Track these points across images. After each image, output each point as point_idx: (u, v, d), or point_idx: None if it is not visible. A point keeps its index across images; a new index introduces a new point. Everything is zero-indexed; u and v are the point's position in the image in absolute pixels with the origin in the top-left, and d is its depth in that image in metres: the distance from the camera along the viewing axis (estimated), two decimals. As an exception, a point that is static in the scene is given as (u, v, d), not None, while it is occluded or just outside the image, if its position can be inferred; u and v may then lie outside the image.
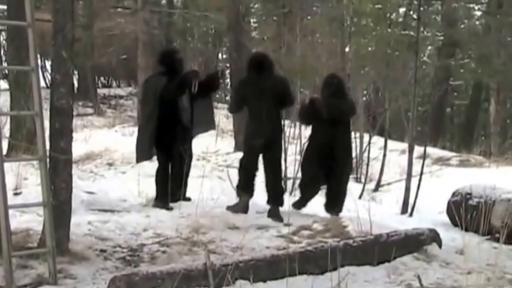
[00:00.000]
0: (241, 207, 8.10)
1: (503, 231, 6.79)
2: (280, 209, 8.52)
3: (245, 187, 8.25)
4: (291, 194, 11.37)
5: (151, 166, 12.23)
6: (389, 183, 12.62)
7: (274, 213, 8.08)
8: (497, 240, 7.27)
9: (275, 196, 8.16)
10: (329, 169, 8.77)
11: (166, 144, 8.77)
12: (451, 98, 29.74)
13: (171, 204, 8.71)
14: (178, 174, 8.73)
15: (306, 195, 8.97)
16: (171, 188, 8.60)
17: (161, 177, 8.78)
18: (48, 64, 22.49)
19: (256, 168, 8.39)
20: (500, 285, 5.89)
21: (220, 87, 9.93)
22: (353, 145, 9.47)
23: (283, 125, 8.71)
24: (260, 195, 8.57)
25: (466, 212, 8.14)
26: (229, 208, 8.24)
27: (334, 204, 8.73)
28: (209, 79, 9.10)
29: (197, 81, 8.74)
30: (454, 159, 15.74)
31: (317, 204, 9.40)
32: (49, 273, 5.53)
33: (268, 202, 8.24)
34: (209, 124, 9.46)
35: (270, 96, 8.20)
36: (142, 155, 9.07)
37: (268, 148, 8.24)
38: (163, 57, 9.16)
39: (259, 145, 8.19)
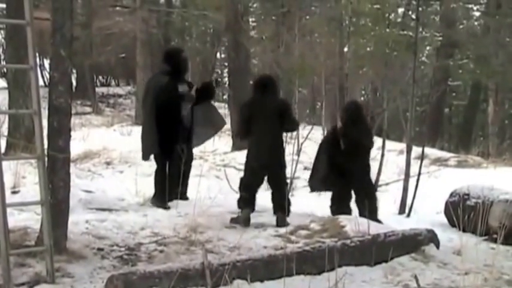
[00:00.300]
0: (242, 220, 8.09)
1: (501, 232, 6.82)
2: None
3: (246, 203, 8.26)
4: (288, 193, 11.39)
5: (149, 166, 12.24)
6: (387, 184, 12.63)
7: (281, 220, 8.10)
8: (494, 240, 7.28)
9: (281, 207, 8.18)
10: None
11: (166, 143, 8.79)
12: (450, 99, 29.75)
13: (169, 204, 8.73)
14: (176, 173, 8.73)
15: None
16: (168, 187, 8.61)
17: (160, 177, 8.79)
18: (46, 63, 22.52)
19: (258, 186, 8.41)
20: (497, 286, 5.90)
21: (216, 96, 10.00)
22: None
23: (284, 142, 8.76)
24: (258, 194, 8.57)
25: (463, 212, 8.16)
26: (232, 220, 8.23)
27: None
28: (204, 88, 9.23)
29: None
30: (452, 160, 15.73)
31: (314, 204, 9.43)
32: (47, 271, 5.53)
33: (275, 212, 8.28)
34: (216, 124, 9.55)
35: (273, 117, 8.26)
36: (148, 152, 9.08)
37: (271, 167, 8.29)
38: (168, 56, 9.19)
39: (261, 166, 8.25)
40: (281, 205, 8.11)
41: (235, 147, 14.43)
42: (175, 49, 9.66)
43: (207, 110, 9.47)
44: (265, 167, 8.25)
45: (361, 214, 8.50)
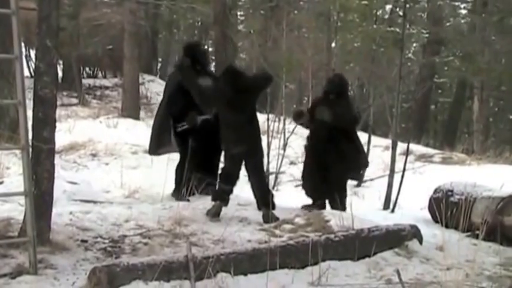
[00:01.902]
0: (213, 213, 8.01)
1: (483, 228, 6.85)
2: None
3: (223, 196, 8.16)
4: (274, 188, 11.39)
5: (134, 158, 12.24)
6: (372, 179, 12.66)
7: (268, 217, 8.02)
8: (476, 237, 7.31)
9: (265, 200, 8.10)
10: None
11: (189, 137, 8.75)
12: (435, 96, 29.84)
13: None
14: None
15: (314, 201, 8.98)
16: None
17: (180, 170, 8.81)
18: (33, 53, 22.35)
19: (237, 178, 8.29)
20: (478, 281, 5.92)
21: None
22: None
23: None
24: (242, 188, 8.56)
25: (447, 208, 8.19)
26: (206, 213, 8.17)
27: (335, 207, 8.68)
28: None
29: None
30: (437, 156, 15.78)
31: (299, 198, 9.42)
32: (29, 262, 5.51)
33: (259, 208, 8.17)
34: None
35: (247, 107, 8.12)
36: (155, 148, 9.06)
37: (248, 155, 8.16)
38: (187, 49, 9.13)
39: (240, 153, 8.11)
40: (265, 199, 8.04)
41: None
42: (193, 43, 9.55)
43: None
44: (244, 152, 8.13)
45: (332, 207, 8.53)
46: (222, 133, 8.23)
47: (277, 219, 7.94)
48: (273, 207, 8.10)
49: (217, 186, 8.32)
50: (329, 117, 8.80)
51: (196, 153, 8.78)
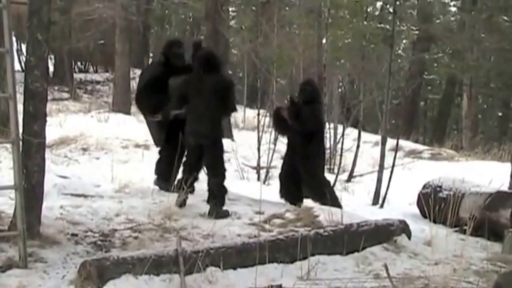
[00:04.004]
0: (179, 202, 7.97)
1: (470, 224, 6.87)
2: (249, 196, 8.56)
3: (186, 183, 8.11)
4: (264, 182, 11.41)
5: (125, 153, 12.23)
6: (361, 175, 12.68)
7: (213, 213, 7.95)
8: (464, 232, 7.32)
9: (215, 197, 8.04)
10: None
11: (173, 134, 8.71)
12: (425, 92, 29.92)
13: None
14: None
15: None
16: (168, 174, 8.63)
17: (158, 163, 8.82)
18: (24, 47, 22.28)
19: (199, 167, 8.23)
20: (465, 276, 5.93)
21: None
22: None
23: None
24: (232, 182, 8.54)
25: (435, 204, 8.22)
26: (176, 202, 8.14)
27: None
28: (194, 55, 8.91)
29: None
30: (426, 153, 15.84)
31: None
32: (19, 256, 5.49)
33: (208, 201, 8.10)
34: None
35: (211, 95, 8.03)
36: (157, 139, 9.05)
37: (207, 149, 8.09)
38: (164, 47, 9.04)
39: (197, 143, 8.03)
40: (215, 197, 7.99)
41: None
42: (171, 42, 9.40)
43: None
44: (201, 144, 8.04)
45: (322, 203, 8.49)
46: (186, 123, 8.18)
47: (225, 216, 7.84)
48: (222, 204, 8.02)
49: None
50: (292, 122, 8.80)
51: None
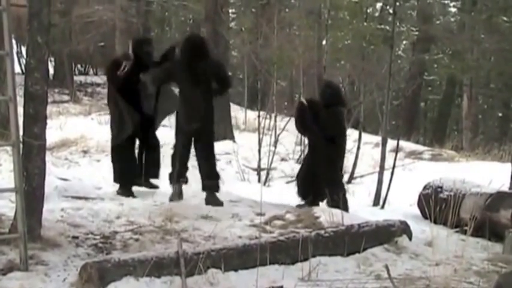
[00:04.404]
0: (177, 195, 7.98)
1: (471, 224, 6.85)
2: (251, 198, 8.56)
3: (180, 175, 8.13)
4: (265, 184, 11.41)
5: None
6: (362, 176, 12.66)
7: (211, 200, 7.97)
8: (465, 232, 7.30)
9: (210, 183, 8.06)
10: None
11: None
12: (425, 93, 29.90)
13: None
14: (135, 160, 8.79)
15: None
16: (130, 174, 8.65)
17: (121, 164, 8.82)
18: (24, 50, 22.28)
19: (188, 157, 8.25)
20: (466, 277, 5.93)
21: None
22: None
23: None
24: (233, 183, 8.55)
25: (436, 204, 8.22)
26: (170, 199, 8.11)
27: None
28: (166, 56, 8.91)
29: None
30: (427, 153, 15.82)
31: (290, 194, 9.42)
32: (20, 259, 5.48)
33: (204, 189, 8.10)
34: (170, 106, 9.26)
35: (203, 81, 8.04)
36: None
37: (199, 133, 8.09)
38: (135, 45, 9.03)
39: (191, 130, 8.03)
40: (210, 183, 7.99)
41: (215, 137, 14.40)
42: (141, 40, 9.38)
43: (167, 92, 9.20)
44: (194, 130, 8.04)
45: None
46: (178, 110, 8.17)
47: (220, 204, 7.89)
48: (217, 190, 8.05)
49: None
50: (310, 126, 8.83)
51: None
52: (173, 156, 8.31)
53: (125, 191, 8.79)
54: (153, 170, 9.02)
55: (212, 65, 8.30)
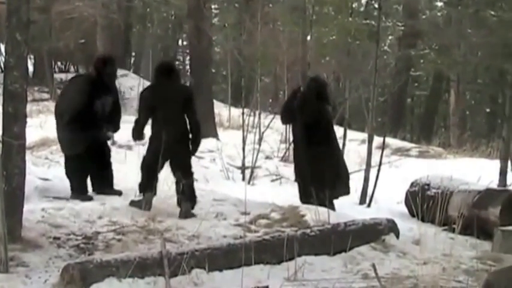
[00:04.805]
0: (145, 205, 7.95)
1: (459, 222, 6.89)
2: (235, 196, 8.57)
3: (147, 185, 8.11)
4: (249, 183, 11.41)
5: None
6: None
7: (184, 213, 7.94)
8: (453, 230, 7.36)
9: (188, 198, 8.03)
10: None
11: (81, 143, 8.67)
12: (412, 89, 29.96)
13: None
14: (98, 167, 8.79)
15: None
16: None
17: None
18: (3, 48, 22.16)
19: (158, 168, 8.22)
20: (455, 275, 5.96)
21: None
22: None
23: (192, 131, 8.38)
24: (217, 182, 8.54)
25: (423, 202, 8.26)
26: (132, 203, 8.07)
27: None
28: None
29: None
30: (414, 150, 15.86)
31: (275, 192, 9.44)
32: (0, 260, 5.46)
33: (179, 204, 8.09)
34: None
35: (176, 102, 8.11)
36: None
37: (174, 154, 8.10)
38: (98, 64, 8.97)
39: (164, 149, 8.02)
40: (187, 196, 7.97)
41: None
42: (105, 58, 9.34)
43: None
44: (169, 150, 7.98)
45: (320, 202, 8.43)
46: (151, 129, 8.22)
47: (192, 215, 7.87)
48: (194, 204, 8.06)
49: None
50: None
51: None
52: (141, 167, 8.27)
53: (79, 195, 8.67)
54: (107, 181, 9.02)
55: (185, 89, 8.70)
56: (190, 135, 8.18)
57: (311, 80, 9.55)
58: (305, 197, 8.75)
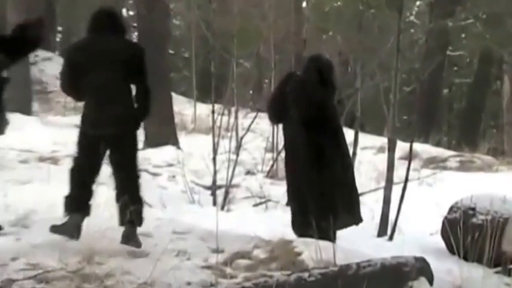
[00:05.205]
0: (70, 230, 7.89)
1: (517, 261, 6.94)
2: (203, 227, 8.61)
3: (78, 201, 8.09)
4: (223, 208, 11.44)
5: (24, 170, 12.19)
6: (361, 194, 12.71)
7: (129, 237, 7.94)
8: (509, 273, 7.41)
9: (131, 213, 8.03)
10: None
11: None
12: (449, 75, 30.11)
13: None
14: None
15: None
16: None
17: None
18: None
19: (95, 172, 8.18)
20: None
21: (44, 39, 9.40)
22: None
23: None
24: (179, 207, 8.55)
25: (466, 233, 8.28)
26: (53, 229, 8.03)
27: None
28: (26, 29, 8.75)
29: None
30: (453, 160, 15.98)
31: (259, 221, 9.46)
32: None
33: (122, 222, 8.08)
34: None
35: (116, 66, 8.05)
36: None
37: (115, 141, 8.07)
38: None
39: (100, 137, 7.99)
40: (130, 213, 7.99)
41: (148, 143, 14.41)
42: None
43: None
44: (106, 137, 7.99)
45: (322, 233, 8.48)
46: (84, 107, 8.15)
47: (139, 245, 7.90)
48: (139, 223, 8.06)
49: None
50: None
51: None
52: (72, 173, 8.23)
53: None
54: None
55: (130, 46, 8.50)
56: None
57: (311, 60, 9.47)
58: (301, 227, 8.79)
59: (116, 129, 7.96)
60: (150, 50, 15.29)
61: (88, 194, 8.06)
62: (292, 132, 9.10)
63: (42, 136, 13.45)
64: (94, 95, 7.99)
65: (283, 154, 10.06)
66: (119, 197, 8.07)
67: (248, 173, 13.60)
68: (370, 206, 11.60)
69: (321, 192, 8.75)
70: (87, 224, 8.20)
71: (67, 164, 9.34)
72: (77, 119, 8.47)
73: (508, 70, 24.52)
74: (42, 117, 16.07)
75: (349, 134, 12.87)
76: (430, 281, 7.04)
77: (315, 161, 8.80)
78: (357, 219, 9.10)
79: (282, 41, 15.91)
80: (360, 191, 12.65)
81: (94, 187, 8.13)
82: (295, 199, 9.06)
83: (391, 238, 10.14)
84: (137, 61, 8.17)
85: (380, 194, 10.79)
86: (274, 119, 9.74)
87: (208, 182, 12.27)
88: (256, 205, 11.86)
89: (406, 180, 10.56)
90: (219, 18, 14.15)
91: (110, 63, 7.98)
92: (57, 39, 29.72)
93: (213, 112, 12.71)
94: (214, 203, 11.80)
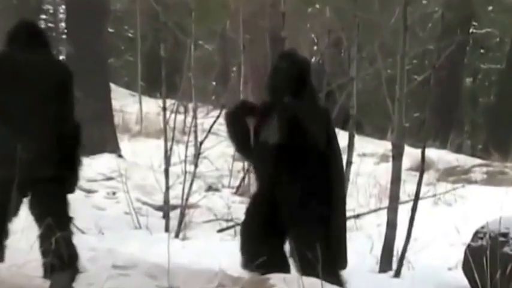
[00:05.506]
0: None
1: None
2: (152, 261, 8.60)
3: None
4: (177, 235, 11.44)
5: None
6: (357, 215, 12.79)
7: (60, 285, 7.97)
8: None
9: (58, 269, 8.07)
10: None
11: None
12: (473, 59, 30.24)
13: None
14: None
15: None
16: None
17: None
18: None
19: (10, 211, 8.21)
20: None
21: None
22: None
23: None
24: (120, 234, 8.55)
25: (495, 266, 8.30)
26: None
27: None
28: None
29: None
30: (478, 171, 16.05)
31: (224, 252, 9.47)
32: None
33: (53, 268, 8.11)
34: None
35: (39, 88, 8.11)
36: None
37: (34, 185, 8.11)
38: None
39: (18, 176, 8.02)
40: (62, 257, 8.02)
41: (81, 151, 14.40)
42: None
43: None
44: (25, 177, 8.02)
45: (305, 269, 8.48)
46: None
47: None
48: (75, 272, 8.08)
49: None
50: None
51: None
52: None
53: None
54: None
55: (56, 64, 8.54)
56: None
57: (281, 59, 9.36)
58: (280, 261, 8.81)
59: (37, 172, 8.02)
60: (82, 28, 15.41)
61: (3, 234, 8.10)
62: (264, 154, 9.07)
63: None
64: (12, 126, 8.02)
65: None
66: (45, 250, 8.11)
67: (210, 188, 13.63)
68: (369, 230, 11.65)
69: (306, 214, 8.78)
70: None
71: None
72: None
73: (548, 54, 24.70)
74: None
75: (342, 136, 12.96)
76: (449, 329, 7.09)
77: (295, 177, 8.81)
78: (341, 262, 9.09)
79: (254, 15, 15.94)
80: (356, 211, 12.79)
81: (9, 225, 8.18)
82: None
83: (397, 274, 10.14)
84: (64, 85, 8.21)
85: (383, 215, 10.80)
86: (240, 150, 9.72)
87: (158, 200, 12.28)
88: (221, 230, 11.87)
89: (417, 197, 10.57)
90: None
91: (32, 86, 8.03)
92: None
93: (164, 109, 12.71)
94: (167, 229, 11.81)
